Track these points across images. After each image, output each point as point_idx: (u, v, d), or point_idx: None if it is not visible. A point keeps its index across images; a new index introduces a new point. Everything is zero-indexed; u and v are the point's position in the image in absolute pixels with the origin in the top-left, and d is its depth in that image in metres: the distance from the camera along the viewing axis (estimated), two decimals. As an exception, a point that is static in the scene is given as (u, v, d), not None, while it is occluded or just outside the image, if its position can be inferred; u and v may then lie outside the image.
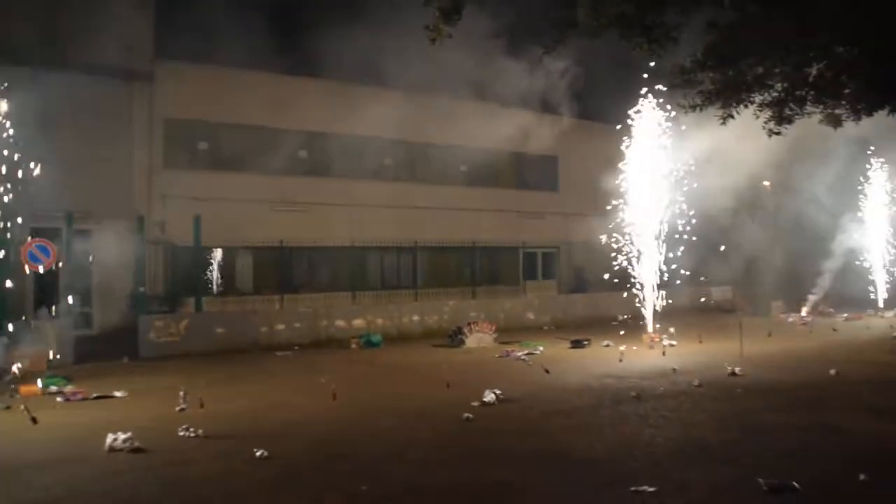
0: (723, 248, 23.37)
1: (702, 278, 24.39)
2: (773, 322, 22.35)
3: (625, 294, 18.49)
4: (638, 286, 17.96)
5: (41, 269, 14.37)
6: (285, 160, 22.78)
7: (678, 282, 18.43)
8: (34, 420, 9.37)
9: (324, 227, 21.98)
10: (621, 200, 17.81)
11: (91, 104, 18.37)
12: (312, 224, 21.87)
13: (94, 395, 11.40)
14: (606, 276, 18.51)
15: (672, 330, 17.48)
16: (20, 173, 13.73)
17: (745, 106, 9.94)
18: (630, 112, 17.52)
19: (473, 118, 25.61)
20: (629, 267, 17.95)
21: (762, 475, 6.37)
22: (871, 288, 25.78)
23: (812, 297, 25.51)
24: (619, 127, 17.89)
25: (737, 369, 12.45)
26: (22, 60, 16.75)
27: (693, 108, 9.99)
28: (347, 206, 23.03)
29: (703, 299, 26.63)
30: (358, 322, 19.88)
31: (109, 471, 7.15)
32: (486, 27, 17.97)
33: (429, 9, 7.87)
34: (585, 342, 17.08)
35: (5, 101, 13.89)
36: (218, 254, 20.90)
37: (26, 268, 14.22)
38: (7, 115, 13.88)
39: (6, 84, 13.84)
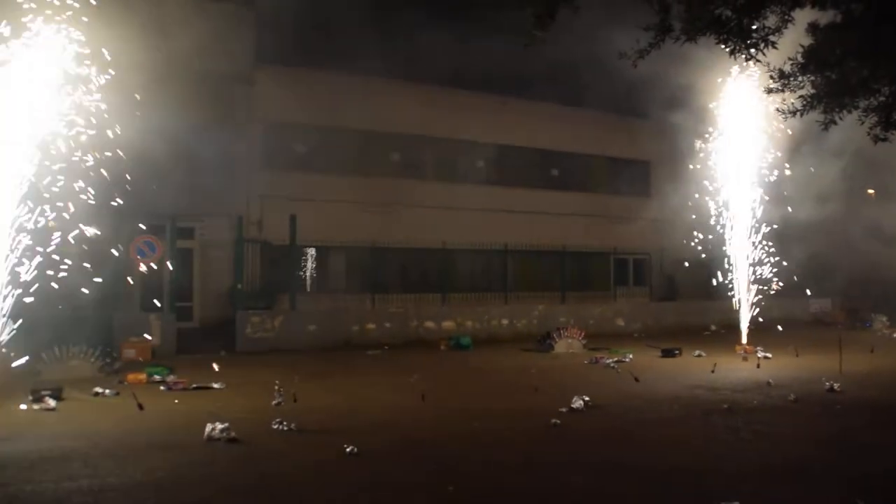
0: (821, 257, 22.58)
1: (807, 291, 23.51)
2: (875, 337, 21.37)
3: (719, 303, 18.09)
4: (732, 295, 17.56)
5: (144, 265, 15.27)
6: (379, 162, 23.26)
7: (773, 290, 17.89)
8: (140, 407, 9.90)
9: (415, 228, 22.30)
10: (713, 195, 17.49)
11: (196, 108, 19.05)
12: (404, 225, 22.23)
13: (194, 385, 11.95)
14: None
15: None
16: (128, 175, 14.35)
17: (849, 111, 9.56)
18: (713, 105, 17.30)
19: (565, 123, 25.53)
20: (722, 274, 17.59)
21: (859, 497, 6.15)
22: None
23: None
24: (708, 133, 17.63)
25: (835, 385, 11.95)
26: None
27: (793, 113, 9.65)
28: (439, 208, 23.30)
29: (809, 313, 25.81)
30: (447, 324, 20.08)
31: (207, 459, 7.50)
32: (575, 32, 17.83)
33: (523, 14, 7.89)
34: (676, 351, 16.76)
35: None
36: (312, 253, 21.51)
37: (141, 266, 15.18)
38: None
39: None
